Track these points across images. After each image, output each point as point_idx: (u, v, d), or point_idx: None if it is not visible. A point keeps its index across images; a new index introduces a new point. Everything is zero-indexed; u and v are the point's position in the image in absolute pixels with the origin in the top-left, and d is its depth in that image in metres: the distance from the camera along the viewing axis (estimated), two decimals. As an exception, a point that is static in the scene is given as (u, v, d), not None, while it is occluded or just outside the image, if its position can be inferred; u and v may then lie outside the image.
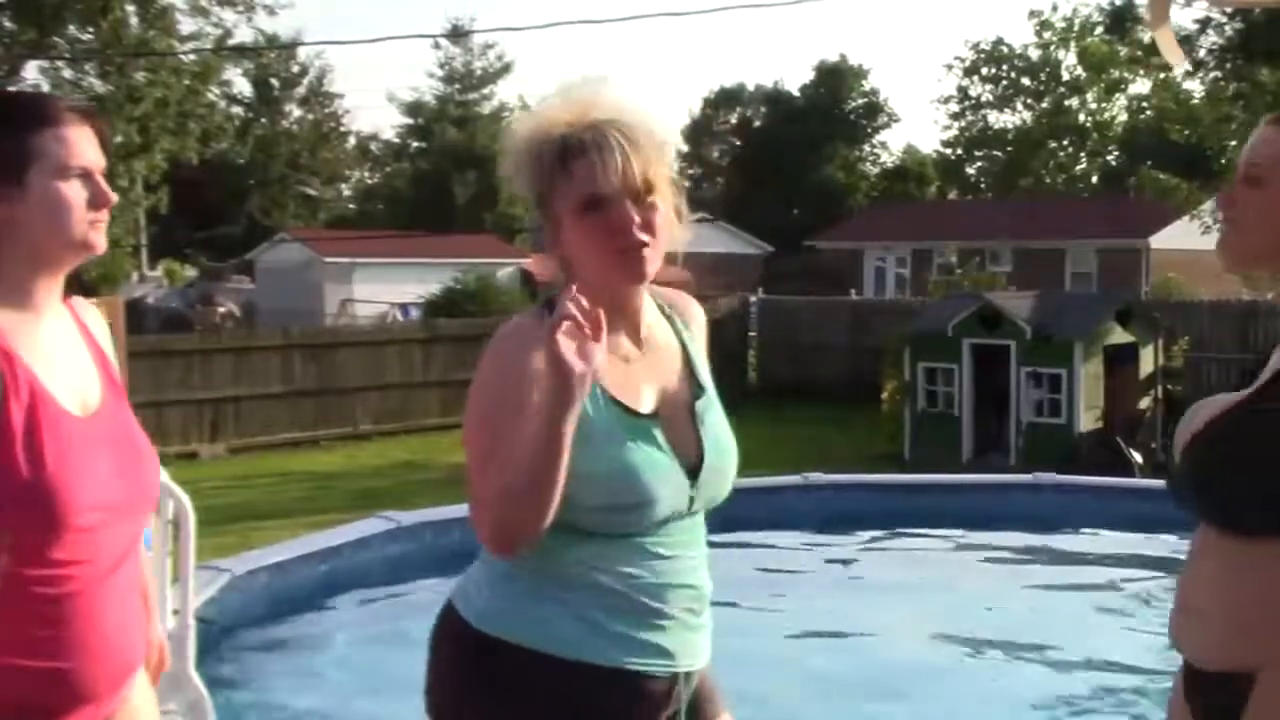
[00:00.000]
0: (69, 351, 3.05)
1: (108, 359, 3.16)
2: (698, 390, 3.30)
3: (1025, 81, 71.88)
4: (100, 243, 3.03)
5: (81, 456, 2.90)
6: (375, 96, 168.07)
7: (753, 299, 28.32)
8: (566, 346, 2.81)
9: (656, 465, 3.10)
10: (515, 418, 2.94)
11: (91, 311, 3.22)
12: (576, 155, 3.08)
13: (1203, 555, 2.90)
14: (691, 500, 3.18)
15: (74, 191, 2.97)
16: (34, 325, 2.98)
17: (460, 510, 10.63)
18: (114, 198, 3.06)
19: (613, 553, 3.11)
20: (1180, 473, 2.92)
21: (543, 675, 3.09)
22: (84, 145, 3.00)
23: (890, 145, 79.62)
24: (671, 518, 3.15)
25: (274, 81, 69.30)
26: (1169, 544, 9.56)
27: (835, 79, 77.74)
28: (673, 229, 3.18)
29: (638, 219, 3.07)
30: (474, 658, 3.16)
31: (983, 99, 73.69)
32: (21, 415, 2.83)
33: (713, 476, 3.23)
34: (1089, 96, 70.77)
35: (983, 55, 72.72)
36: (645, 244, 3.09)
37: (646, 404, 3.18)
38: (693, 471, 3.18)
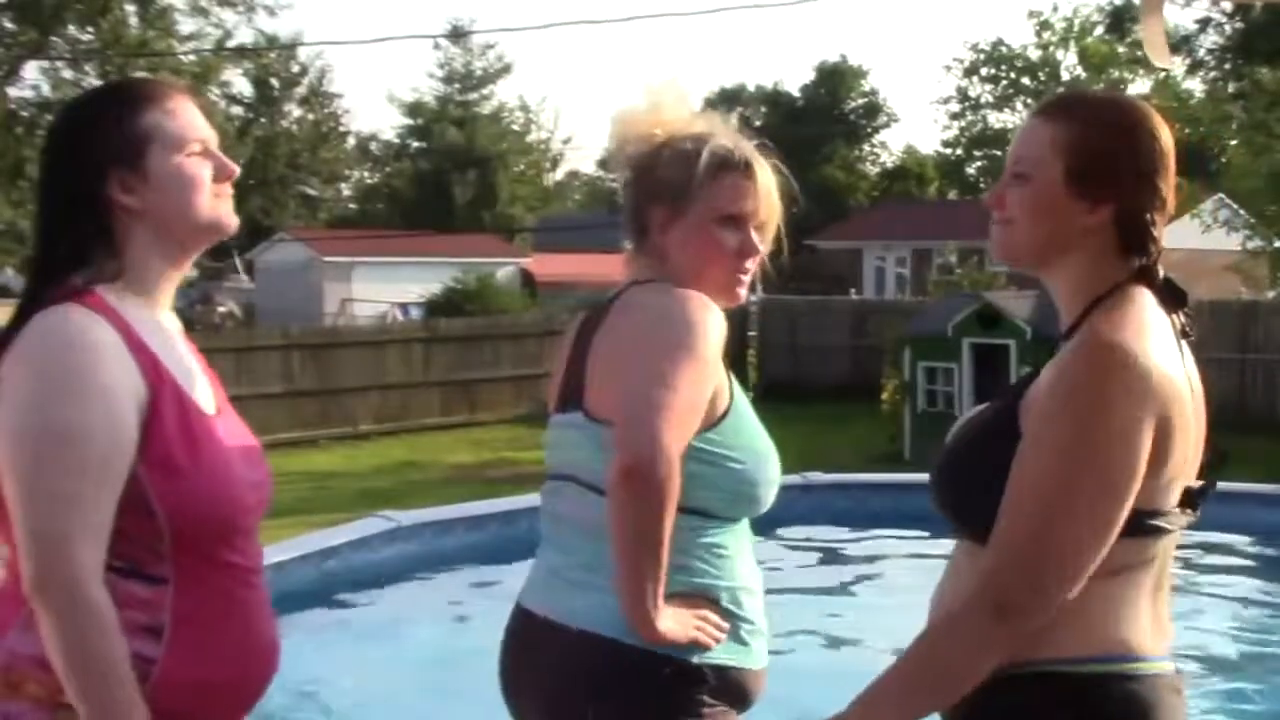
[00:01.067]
0: (184, 349, 2.98)
1: (202, 357, 3.06)
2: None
3: (1025, 81, 71.91)
4: (231, 218, 2.94)
5: (229, 457, 2.88)
6: (375, 96, 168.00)
7: (753, 299, 28.29)
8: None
9: (766, 457, 3.22)
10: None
11: None
12: (732, 169, 3.26)
13: (954, 557, 2.92)
14: (763, 497, 3.28)
15: (197, 166, 2.87)
16: (160, 322, 2.91)
17: (460, 510, 10.66)
18: (237, 169, 2.97)
19: (738, 546, 3.20)
20: (931, 483, 2.91)
21: (714, 686, 3.12)
22: (197, 118, 2.91)
23: (890, 145, 79.79)
24: (755, 512, 3.27)
25: (274, 81, 69.24)
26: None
27: (835, 79, 77.75)
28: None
29: (760, 250, 3.29)
30: (677, 684, 3.09)
31: (982, 99, 73.74)
32: (174, 417, 2.77)
33: (773, 474, 3.27)
34: (1089, 96, 70.90)
35: (982, 55, 72.78)
36: (749, 274, 3.30)
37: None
38: None
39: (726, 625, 3.10)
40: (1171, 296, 2.80)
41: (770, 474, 3.17)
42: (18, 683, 2.69)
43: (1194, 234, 32.48)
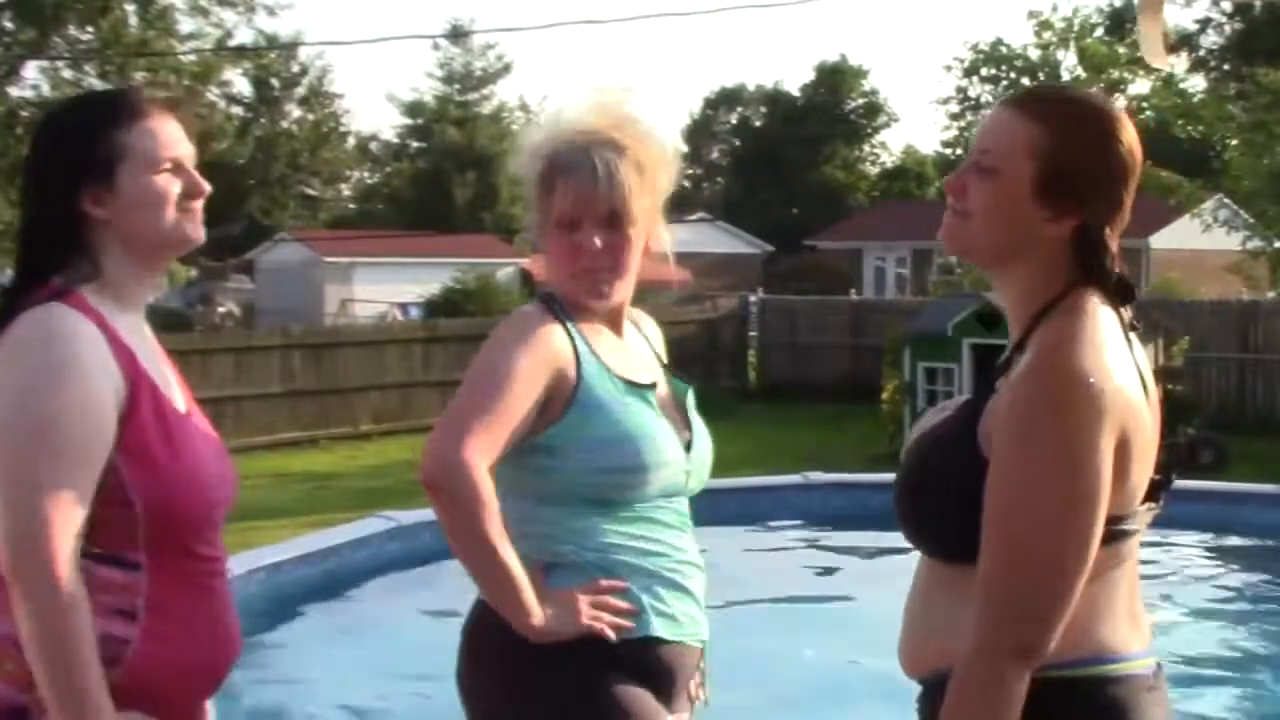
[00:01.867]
0: (157, 352, 3.11)
1: (170, 359, 3.19)
2: (679, 385, 3.50)
3: (1025, 82, 71.87)
4: (198, 233, 3.04)
5: (201, 452, 3.01)
6: (375, 96, 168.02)
7: (753, 299, 28.30)
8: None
9: (661, 430, 3.27)
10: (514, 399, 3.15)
11: None
12: (561, 174, 3.28)
13: (918, 574, 2.91)
14: (687, 475, 3.35)
15: (166, 184, 2.97)
16: (137, 325, 3.04)
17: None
18: (208, 187, 3.06)
19: (633, 528, 3.26)
20: (894, 498, 2.89)
21: (607, 658, 3.19)
22: (172, 136, 3.01)
23: (890, 145, 79.64)
24: (672, 491, 3.31)
25: (274, 81, 69.21)
26: (1160, 538, 9.58)
27: (835, 79, 77.70)
28: (652, 252, 3.42)
29: (600, 245, 3.27)
30: (523, 653, 3.20)
31: (982, 99, 73.69)
32: (151, 413, 2.90)
33: (701, 456, 3.41)
34: (1089, 96, 70.82)
35: (982, 56, 72.73)
36: (605, 270, 3.29)
37: (643, 378, 3.35)
38: (686, 446, 3.35)
39: (632, 606, 3.20)
40: (1117, 291, 2.76)
41: (637, 459, 3.22)
42: None
43: (1194, 234, 32.51)
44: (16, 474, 2.74)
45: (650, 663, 3.24)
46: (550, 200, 3.28)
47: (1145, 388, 2.73)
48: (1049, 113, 2.77)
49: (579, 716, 3.17)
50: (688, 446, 3.35)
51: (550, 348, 3.19)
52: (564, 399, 3.20)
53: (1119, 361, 2.66)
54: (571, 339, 3.25)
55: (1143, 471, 2.70)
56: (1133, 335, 2.78)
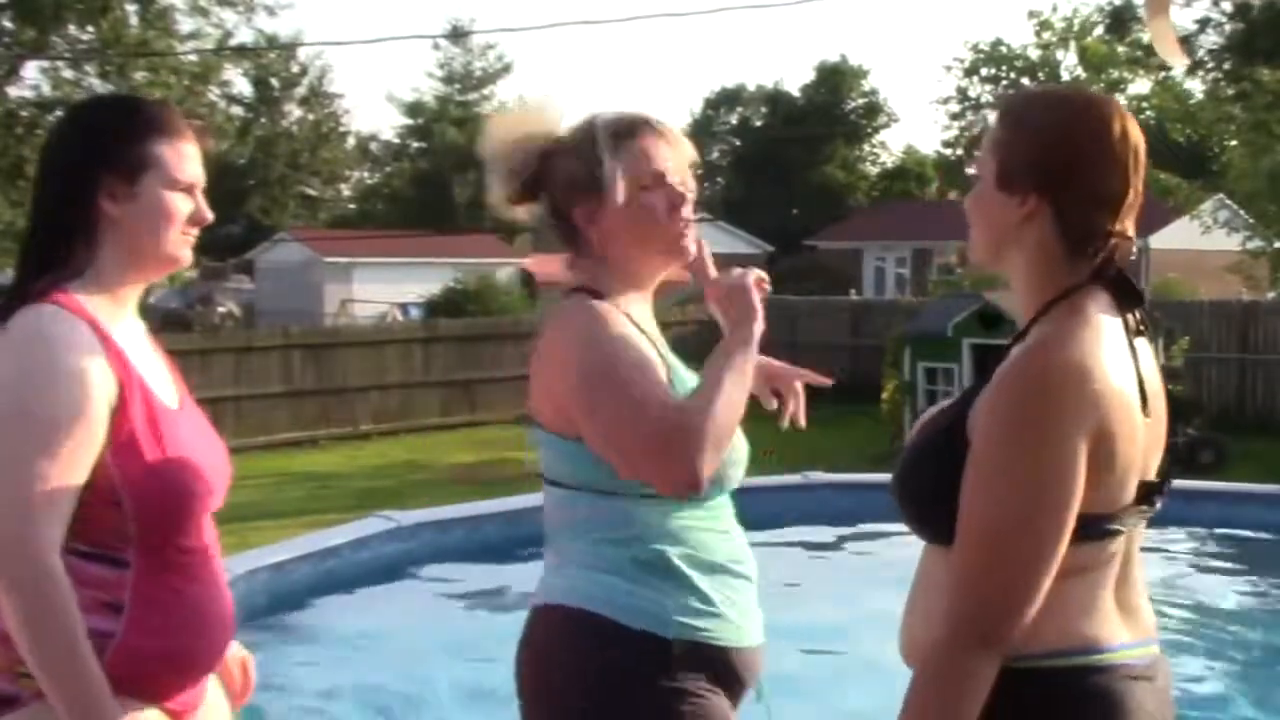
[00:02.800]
0: (149, 350, 3.18)
1: (168, 357, 3.26)
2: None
3: (1025, 82, 71.87)
4: (187, 258, 3.16)
5: (191, 447, 3.06)
6: (375, 96, 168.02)
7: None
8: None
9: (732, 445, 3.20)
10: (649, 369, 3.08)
11: None
12: (638, 134, 3.23)
13: (922, 561, 2.95)
14: (730, 475, 3.27)
15: (179, 204, 3.07)
16: (126, 324, 3.09)
17: (460, 510, 10.67)
18: (211, 216, 3.15)
19: (715, 524, 3.22)
20: (891, 487, 2.94)
21: (687, 662, 3.12)
22: (194, 160, 3.12)
23: (890, 145, 79.65)
24: (730, 487, 3.28)
25: (274, 81, 69.28)
26: (1160, 539, 9.58)
27: (835, 79, 77.71)
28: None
29: (693, 195, 3.26)
30: (632, 653, 3.12)
31: (982, 99, 73.71)
32: (140, 410, 2.95)
33: (739, 454, 3.30)
34: (1089, 97, 70.80)
35: (982, 56, 72.75)
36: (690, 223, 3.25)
37: (689, 370, 3.30)
38: None
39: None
40: (1125, 295, 2.78)
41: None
42: None
43: (1194, 234, 32.51)
44: (5, 467, 2.80)
45: (732, 667, 3.19)
46: (630, 161, 3.19)
47: (1145, 392, 2.74)
48: (1010, 110, 2.90)
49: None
50: None
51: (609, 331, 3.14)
52: None
53: (1110, 362, 2.67)
54: (643, 332, 3.22)
55: (1132, 470, 2.72)
56: (1142, 340, 2.80)
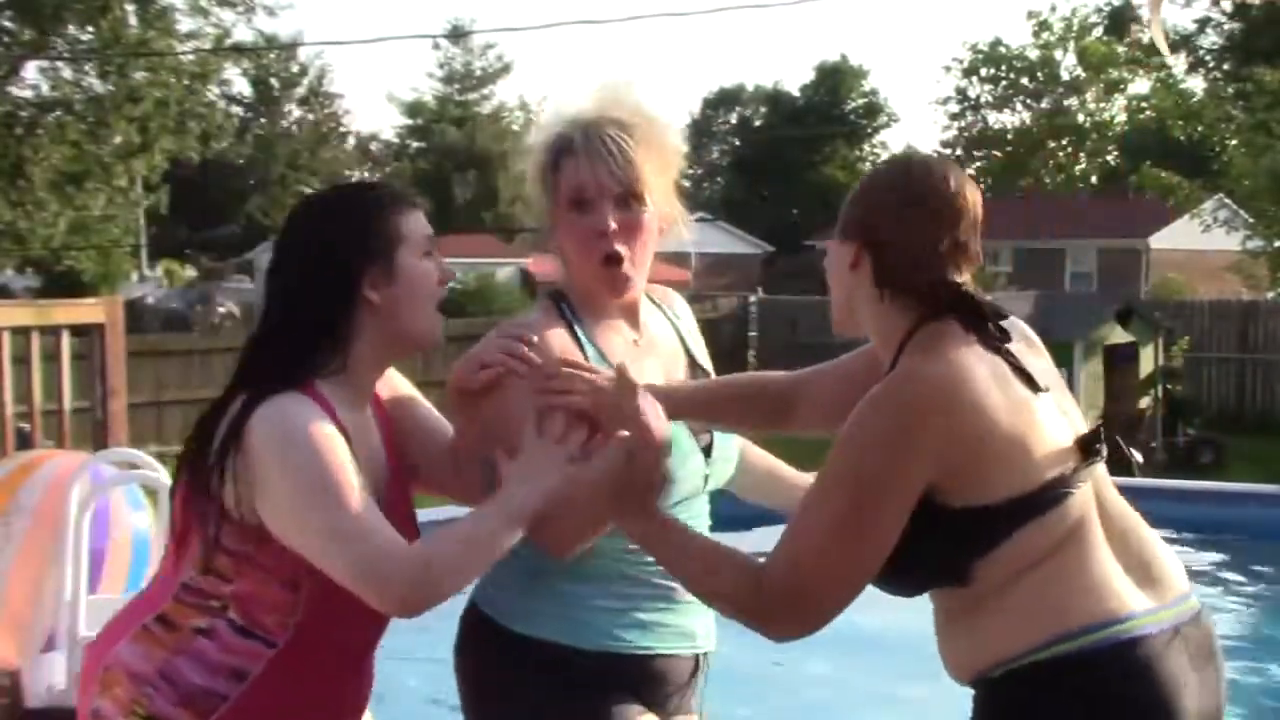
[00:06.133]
0: (375, 439, 3.14)
1: (392, 438, 3.20)
2: (701, 375, 3.39)
3: (1024, 82, 71.84)
4: (439, 335, 3.12)
5: None
6: (375, 97, 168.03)
7: (752, 299, 28.31)
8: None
9: (677, 445, 3.10)
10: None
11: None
12: (568, 154, 3.14)
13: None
14: (706, 479, 3.27)
15: (432, 267, 3.07)
16: (361, 420, 3.07)
17: (459, 511, 10.65)
18: (454, 273, 3.20)
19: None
20: None
21: (579, 669, 3.12)
22: (425, 223, 3.10)
23: (890, 145, 79.41)
24: (688, 496, 3.21)
25: (274, 81, 69.25)
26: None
27: (835, 79, 77.70)
28: (668, 235, 3.27)
29: (614, 225, 3.12)
30: (512, 658, 3.17)
31: (981, 99, 73.65)
32: None
33: (724, 454, 3.32)
34: (1088, 96, 70.72)
35: (981, 56, 72.65)
36: (621, 255, 3.14)
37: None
38: (706, 450, 3.26)
39: None
40: (970, 320, 2.87)
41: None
42: (110, 683, 2.95)
43: (1194, 234, 32.51)
44: (338, 532, 2.79)
45: (631, 674, 3.18)
46: (558, 179, 3.14)
47: (1030, 375, 2.88)
48: (865, 175, 3.09)
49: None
50: (707, 450, 3.26)
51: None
52: None
53: (967, 371, 2.78)
54: (580, 345, 3.17)
55: (1039, 447, 2.79)
56: (1011, 345, 2.89)
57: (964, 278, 2.92)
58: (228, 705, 2.90)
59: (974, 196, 2.93)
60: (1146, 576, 2.86)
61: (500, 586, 3.17)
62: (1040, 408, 2.84)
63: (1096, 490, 2.89)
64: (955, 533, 2.76)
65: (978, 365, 2.79)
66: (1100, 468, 2.91)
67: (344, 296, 2.96)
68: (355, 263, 2.96)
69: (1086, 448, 2.86)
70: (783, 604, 2.79)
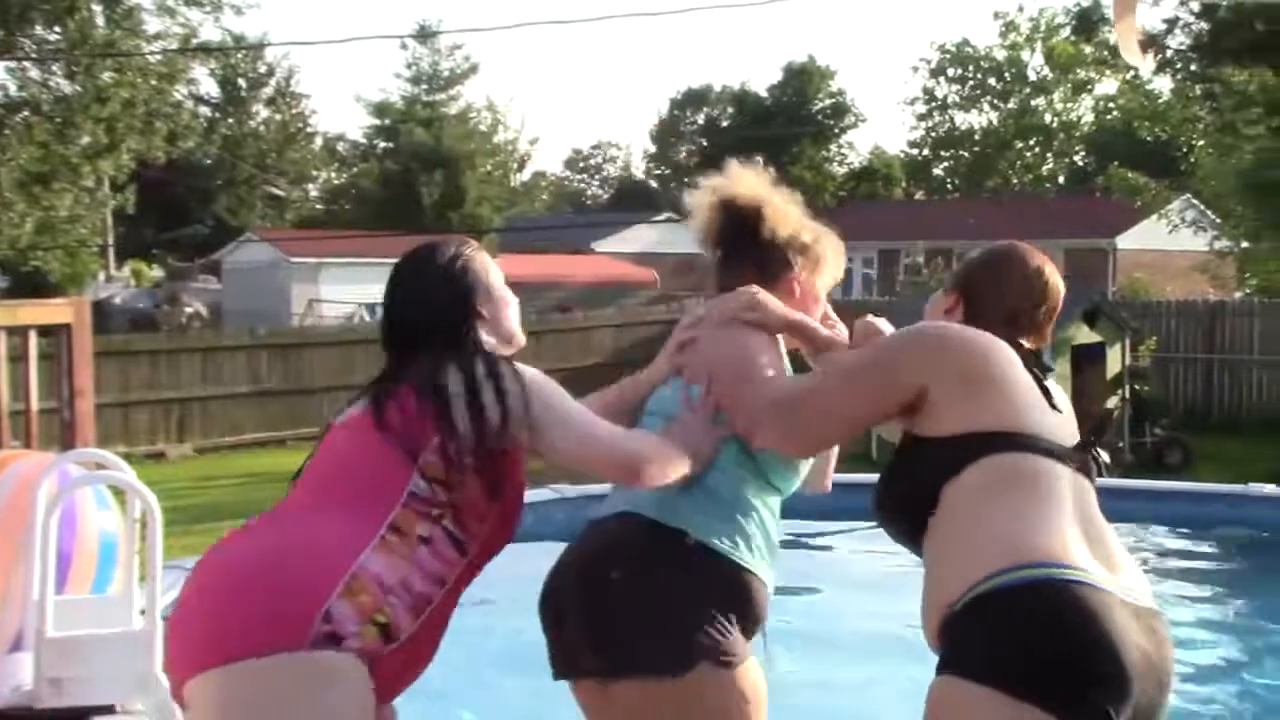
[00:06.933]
0: None
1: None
2: None
3: (991, 82, 72.05)
4: (521, 337, 4.08)
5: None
6: (342, 97, 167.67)
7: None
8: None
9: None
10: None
11: None
12: (827, 258, 4.58)
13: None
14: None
15: (509, 292, 4.06)
16: None
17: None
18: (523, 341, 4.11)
19: (776, 510, 4.13)
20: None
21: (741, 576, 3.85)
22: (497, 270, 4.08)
23: (857, 145, 79.72)
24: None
25: (241, 81, 69.07)
26: (1130, 541, 9.59)
27: (802, 79, 77.84)
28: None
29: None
30: (707, 565, 3.79)
31: (949, 100, 73.84)
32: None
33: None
34: (1055, 97, 70.96)
35: (948, 56, 72.86)
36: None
37: None
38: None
39: None
40: (1027, 361, 3.54)
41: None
42: (356, 590, 3.31)
43: (1161, 234, 32.59)
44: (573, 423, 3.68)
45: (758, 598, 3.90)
46: (822, 262, 4.58)
47: (1049, 395, 3.49)
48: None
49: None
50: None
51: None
52: None
53: (996, 347, 3.47)
54: None
55: (1024, 403, 3.39)
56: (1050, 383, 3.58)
57: (1028, 346, 3.58)
58: (432, 608, 3.44)
59: (1058, 288, 3.70)
60: (1113, 566, 3.17)
61: (706, 516, 3.86)
62: (1045, 404, 3.42)
63: (1082, 492, 3.30)
64: (931, 457, 3.38)
65: (1011, 351, 3.46)
66: (1088, 483, 3.36)
67: (467, 316, 3.85)
68: (469, 295, 3.89)
69: (1078, 447, 3.37)
70: (773, 414, 3.65)
